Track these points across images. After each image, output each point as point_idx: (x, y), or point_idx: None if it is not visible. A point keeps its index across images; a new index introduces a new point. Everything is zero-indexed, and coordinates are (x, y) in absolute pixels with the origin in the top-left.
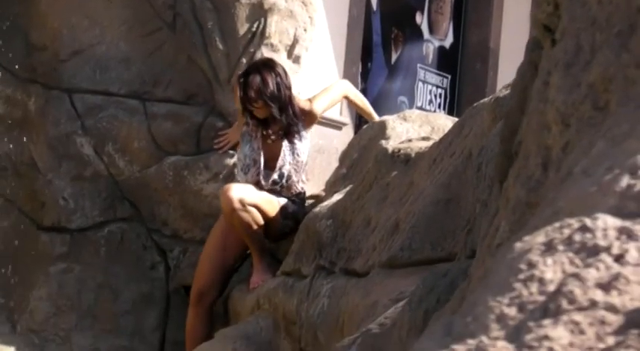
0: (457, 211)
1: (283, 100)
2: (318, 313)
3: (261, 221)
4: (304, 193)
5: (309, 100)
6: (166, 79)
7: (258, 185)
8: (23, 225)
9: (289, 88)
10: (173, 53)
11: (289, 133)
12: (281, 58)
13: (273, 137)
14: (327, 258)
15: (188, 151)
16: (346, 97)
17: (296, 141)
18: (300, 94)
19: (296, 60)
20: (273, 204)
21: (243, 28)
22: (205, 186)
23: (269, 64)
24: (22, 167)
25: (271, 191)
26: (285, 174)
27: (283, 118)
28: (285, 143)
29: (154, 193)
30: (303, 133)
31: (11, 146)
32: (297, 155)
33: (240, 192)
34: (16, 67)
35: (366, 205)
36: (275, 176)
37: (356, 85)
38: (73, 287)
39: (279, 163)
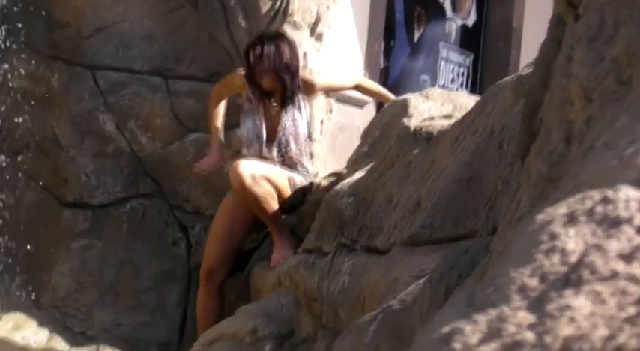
0: (479, 189)
1: (293, 70)
2: (339, 290)
3: (274, 194)
4: (308, 168)
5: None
6: (189, 57)
7: (260, 158)
8: (46, 201)
9: (298, 59)
10: (195, 31)
11: (290, 101)
12: (303, 35)
13: (276, 108)
14: (348, 235)
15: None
16: (359, 86)
17: (295, 111)
18: (321, 72)
19: (318, 38)
20: (281, 176)
21: (265, 6)
22: (227, 163)
23: (282, 35)
24: (45, 144)
25: (274, 163)
26: (283, 140)
27: (289, 86)
28: (284, 113)
29: (175, 170)
30: (302, 103)
31: (34, 123)
32: (297, 125)
33: (250, 167)
34: (39, 44)
35: (388, 182)
36: (275, 146)
37: (378, 64)
38: (95, 263)
39: (279, 131)
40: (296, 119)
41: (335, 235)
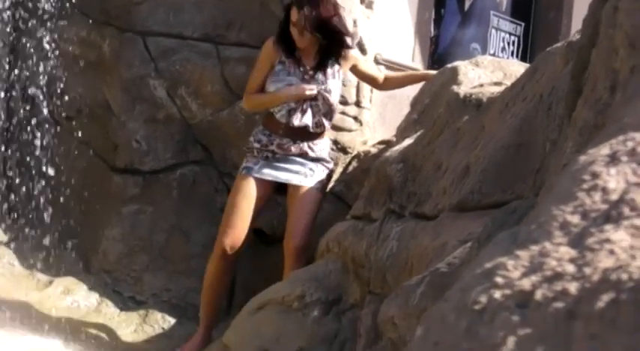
0: (528, 156)
1: (334, 30)
2: (387, 256)
3: None
4: (330, 147)
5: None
6: (239, 23)
7: (289, 125)
8: (97, 166)
9: (343, 23)
10: None
11: (326, 62)
12: (354, 2)
13: (310, 72)
14: (397, 202)
15: None
16: (387, 79)
17: (329, 78)
18: (372, 40)
19: (369, 5)
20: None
21: None
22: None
23: None
24: (96, 109)
25: (300, 130)
26: (316, 105)
27: (329, 45)
28: (317, 76)
29: (225, 137)
30: (337, 72)
31: (85, 88)
32: (329, 91)
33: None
34: (91, 10)
35: (437, 149)
36: (308, 111)
37: (428, 32)
38: (145, 229)
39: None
40: (329, 88)
41: (384, 201)
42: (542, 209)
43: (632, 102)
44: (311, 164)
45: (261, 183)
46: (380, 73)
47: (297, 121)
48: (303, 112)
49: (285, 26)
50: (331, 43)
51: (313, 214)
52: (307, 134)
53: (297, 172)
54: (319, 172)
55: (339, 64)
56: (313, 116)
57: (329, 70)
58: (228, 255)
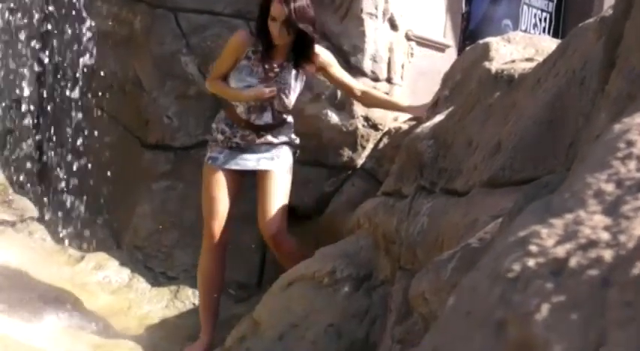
0: (560, 131)
1: (315, 28)
2: (418, 232)
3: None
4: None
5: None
6: None
7: (249, 121)
8: (128, 142)
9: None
10: None
11: (300, 61)
12: None
13: (275, 70)
14: (427, 178)
15: None
16: (365, 93)
17: (292, 78)
18: (403, 17)
19: None
20: (288, 190)
21: None
22: (307, 106)
23: None
24: (128, 85)
25: (263, 128)
26: (277, 103)
27: (309, 44)
28: (283, 76)
29: None
30: (302, 72)
31: (116, 64)
32: (287, 94)
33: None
34: None
35: (468, 125)
36: (265, 115)
37: (460, 8)
38: (176, 205)
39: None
40: (289, 90)
41: (414, 177)
42: (576, 178)
43: None
44: (277, 147)
45: (228, 173)
46: (359, 85)
47: (257, 120)
48: (262, 110)
49: (262, 21)
50: (302, 43)
51: (284, 198)
52: (269, 127)
53: (263, 158)
54: (285, 153)
55: (304, 67)
56: (272, 113)
57: (293, 71)
58: (219, 245)
